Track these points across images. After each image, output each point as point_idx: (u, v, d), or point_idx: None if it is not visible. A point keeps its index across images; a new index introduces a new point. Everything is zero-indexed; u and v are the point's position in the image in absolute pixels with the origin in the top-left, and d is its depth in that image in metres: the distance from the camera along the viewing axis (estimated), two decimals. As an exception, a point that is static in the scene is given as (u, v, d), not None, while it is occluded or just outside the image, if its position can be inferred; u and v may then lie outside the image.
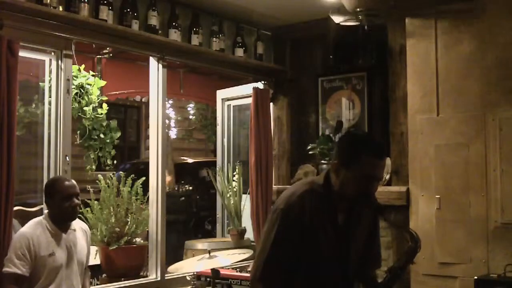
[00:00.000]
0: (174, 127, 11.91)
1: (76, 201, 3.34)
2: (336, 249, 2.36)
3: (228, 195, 5.38)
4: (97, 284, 4.38)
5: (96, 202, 4.46)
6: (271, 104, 5.47)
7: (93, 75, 4.73)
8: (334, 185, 2.35)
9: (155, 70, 4.56)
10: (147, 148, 9.05)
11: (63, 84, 3.90)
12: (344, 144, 2.42)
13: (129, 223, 4.43)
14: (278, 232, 2.30)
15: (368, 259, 2.53)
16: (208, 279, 4.10)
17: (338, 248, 2.36)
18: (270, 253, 2.31)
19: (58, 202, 3.30)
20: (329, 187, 2.35)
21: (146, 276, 4.52)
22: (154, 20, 4.34)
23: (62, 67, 3.90)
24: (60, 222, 3.33)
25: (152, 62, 4.56)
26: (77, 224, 3.52)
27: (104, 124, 4.79)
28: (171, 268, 3.98)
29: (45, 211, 3.39)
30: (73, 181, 3.45)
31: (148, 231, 4.61)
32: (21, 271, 3.14)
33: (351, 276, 2.44)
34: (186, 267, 4.03)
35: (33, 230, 3.26)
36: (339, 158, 2.35)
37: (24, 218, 3.46)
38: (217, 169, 5.73)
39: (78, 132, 4.66)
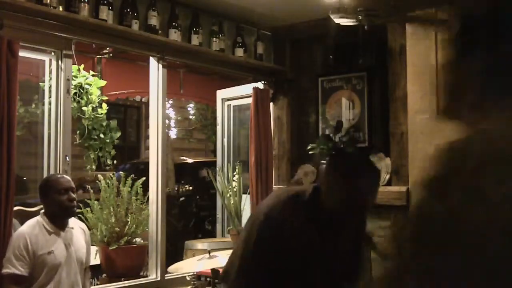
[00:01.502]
0: (174, 127, 11.91)
1: (72, 195, 3.33)
2: (319, 262, 2.31)
3: (228, 195, 5.38)
4: (97, 284, 4.39)
5: (96, 202, 4.46)
6: (271, 104, 5.47)
7: (93, 75, 4.73)
8: (323, 199, 2.30)
9: (155, 70, 4.56)
10: (147, 148, 9.05)
11: (63, 84, 3.90)
12: (344, 164, 2.45)
13: (129, 223, 4.43)
14: (259, 244, 2.23)
15: (352, 273, 2.51)
16: (208, 279, 4.10)
17: (322, 261, 2.31)
18: (250, 266, 2.25)
19: (54, 197, 3.30)
20: (316, 202, 2.30)
21: (146, 276, 4.52)
22: (154, 20, 4.34)
23: (62, 67, 3.90)
24: (58, 219, 3.33)
25: (152, 62, 4.56)
26: (75, 223, 3.52)
27: (104, 124, 4.79)
28: (171, 268, 3.97)
29: (42, 211, 3.39)
30: (67, 176, 3.46)
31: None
32: (20, 271, 3.14)
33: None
34: (186, 267, 4.03)
35: (31, 229, 3.26)
36: (335, 175, 2.37)
37: (24, 218, 3.46)
38: (217, 169, 5.73)
39: (78, 132, 4.66)
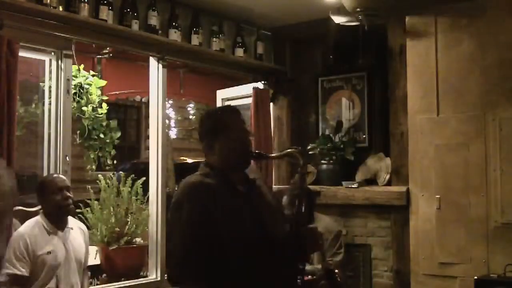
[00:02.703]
0: (174, 127, 11.89)
1: (67, 193, 3.33)
2: (251, 219, 2.32)
3: (228, 195, 5.36)
4: (97, 284, 4.38)
5: (96, 202, 4.46)
6: (271, 104, 5.47)
7: (93, 75, 4.73)
8: (217, 163, 2.37)
9: (155, 70, 4.56)
10: (147, 148, 9.04)
11: (63, 84, 3.90)
12: (208, 122, 2.45)
13: (129, 223, 4.43)
14: (186, 223, 2.22)
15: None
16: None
17: (253, 218, 2.33)
18: (186, 248, 2.21)
19: (50, 197, 3.31)
20: (214, 168, 2.37)
21: (146, 276, 4.51)
22: (154, 20, 4.34)
23: (62, 67, 3.90)
24: (56, 219, 3.34)
25: (152, 62, 4.56)
26: (74, 223, 3.53)
27: (104, 124, 4.79)
28: None
29: (41, 211, 3.40)
30: (62, 176, 3.48)
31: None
32: (21, 271, 3.15)
33: (276, 242, 2.36)
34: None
35: (30, 229, 3.26)
36: (208, 136, 2.39)
37: (24, 218, 3.46)
38: (217, 169, 5.71)
39: (78, 132, 4.66)
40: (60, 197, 3.31)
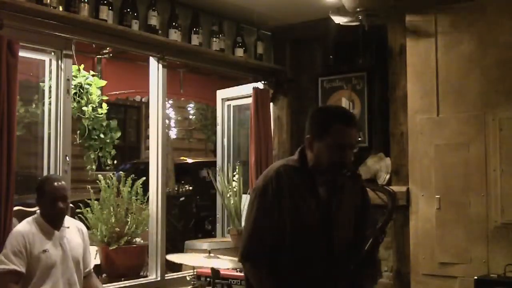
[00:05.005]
0: (174, 127, 11.91)
1: (61, 205, 3.29)
2: (319, 222, 2.39)
3: (228, 195, 5.37)
4: (97, 284, 4.39)
5: (96, 202, 4.46)
6: (271, 104, 5.47)
7: (93, 75, 4.73)
8: (310, 159, 2.42)
9: (155, 70, 4.56)
10: (147, 148, 9.04)
11: (63, 84, 3.90)
12: (315, 118, 2.47)
13: (129, 223, 4.43)
14: (258, 209, 2.36)
15: (359, 239, 2.50)
16: (208, 279, 4.10)
17: (322, 222, 2.39)
18: (252, 231, 2.37)
19: (45, 203, 3.31)
20: (305, 162, 2.43)
21: (146, 276, 4.52)
22: (154, 20, 4.34)
23: (62, 67, 3.90)
24: (52, 220, 3.34)
25: (152, 62, 4.56)
26: (72, 222, 3.52)
27: (104, 124, 4.79)
28: (171, 256, 3.92)
29: (38, 210, 3.39)
30: (63, 182, 3.40)
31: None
32: (19, 267, 3.15)
33: (337, 251, 2.42)
34: (186, 261, 4.02)
35: (27, 228, 3.27)
36: (311, 131, 2.42)
37: (24, 218, 3.46)
38: (217, 169, 5.72)
39: (78, 132, 4.66)
40: (55, 206, 3.29)
